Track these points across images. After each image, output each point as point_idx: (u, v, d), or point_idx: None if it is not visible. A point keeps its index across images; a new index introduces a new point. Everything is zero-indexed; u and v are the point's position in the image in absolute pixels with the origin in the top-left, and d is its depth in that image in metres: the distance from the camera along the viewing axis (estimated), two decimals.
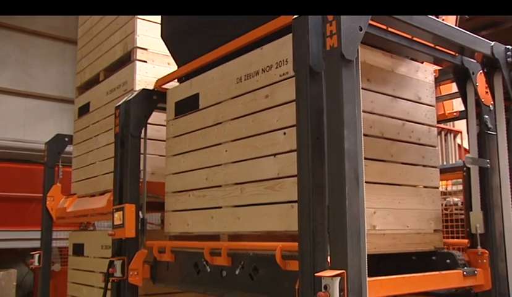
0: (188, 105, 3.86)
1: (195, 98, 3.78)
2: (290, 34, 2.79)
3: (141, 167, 4.10)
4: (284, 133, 3.01)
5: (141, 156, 4.13)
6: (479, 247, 3.32)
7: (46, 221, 5.68)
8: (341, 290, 2.21)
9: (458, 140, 6.57)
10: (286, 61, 3.05)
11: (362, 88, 2.67)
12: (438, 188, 3.50)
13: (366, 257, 2.38)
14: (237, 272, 3.19)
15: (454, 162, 6.02)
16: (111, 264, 3.96)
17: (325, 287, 2.23)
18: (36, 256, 5.60)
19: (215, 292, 3.43)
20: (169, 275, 3.87)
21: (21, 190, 8.48)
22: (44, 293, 5.65)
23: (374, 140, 3.16)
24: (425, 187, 3.41)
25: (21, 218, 8.53)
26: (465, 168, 3.65)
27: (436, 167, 3.51)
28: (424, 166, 3.44)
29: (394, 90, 3.34)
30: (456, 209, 4.66)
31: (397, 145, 3.29)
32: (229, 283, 3.28)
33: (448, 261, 3.30)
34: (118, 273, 3.92)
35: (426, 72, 3.59)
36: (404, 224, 3.23)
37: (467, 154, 3.53)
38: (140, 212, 4.02)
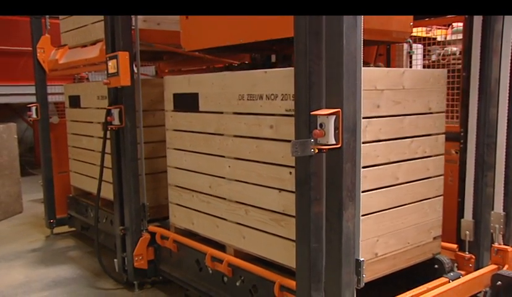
0: (187, 102, 3.68)
1: (195, 97, 3.60)
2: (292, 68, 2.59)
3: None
4: (290, 173, 2.94)
5: None
6: (467, 252, 3.43)
7: (39, 74, 5.62)
8: (336, 128, 2.21)
9: None
10: (292, 97, 2.86)
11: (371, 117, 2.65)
12: (441, 196, 3.52)
13: (361, 96, 2.33)
14: (237, 284, 3.31)
15: None
16: (109, 113, 4.01)
17: (320, 125, 2.22)
18: (34, 108, 5.63)
19: (217, 294, 3.56)
20: (173, 261, 4.01)
21: (8, 43, 8.29)
22: (45, 144, 5.77)
23: (381, 169, 3.10)
24: (428, 198, 3.43)
25: (12, 73, 8.46)
26: None
27: (441, 175, 3.49)
28: (429, 178, 3.41)
29: (404, 108, 3.19)
30: (454, 59, 4.53)
31: (404, 165, 3.23)
32: (230, 291, 3.43)
33: (435, 266, 3.43)
34: (116, 121, 3.99)
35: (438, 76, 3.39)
36: (406, 241, 3.31)
37: None
38: (134, 65, 3.92)
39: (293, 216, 2.92)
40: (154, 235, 4.08)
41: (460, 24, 4.17)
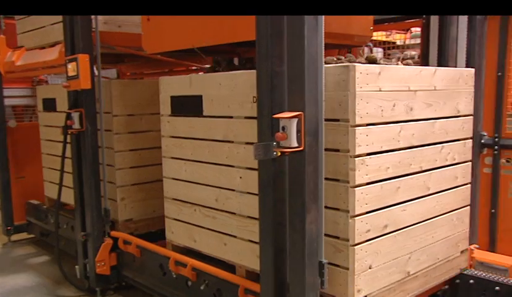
0: (188, 106, 3.28)
1: (197, 100, 3.20)
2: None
3: (93, 16, 3.84)
4: None
5: None
6: None
7: None
8: (298, 131, 2.21)
9: None
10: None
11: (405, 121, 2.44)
12: (469, 206, 3.25)
13: (323, 100, 2.34)
14: (201, 288, 3.22)
15: None
16: (69, 116, 3.90)
17: (283, 128, 2.21)
18: None
19: None
20: (136, 266, 3.89)
21: None
22: (2, 149, 5.55)
23: (413, 179, 2.81)
24: (457, 209, 3.16)
25: None
26: (424, 15, 3.54)
27: (469, 183, 3.23)
28: (457, 187, 3.14)
29: (435, 111, 2.91)
30: (414, 62, 4.51)
31: (434, 174, 2.95)
32: (194, 295, 3.29)
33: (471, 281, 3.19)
34: (76, 125, 3.88)
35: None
36: (436, 257, 3.03)
37: None
38: (95, 67, 3.82)
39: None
40: (117, 240, 3.96)
41: (419, 29, 4.23)
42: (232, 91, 2.98)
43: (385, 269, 2.67)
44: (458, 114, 3.07)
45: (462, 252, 3.23)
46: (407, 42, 5.25)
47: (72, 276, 4.24)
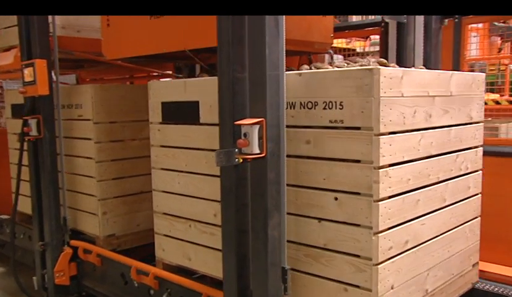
0: (182, 113, 3.02)
1: (194, 106, 2.94)
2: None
3: (50, 20, 3.76)
4: (336, 199, 2.38)
5: None
6: None
7: None
8: (260, 137, 2.21)
9: None
10: (341, 104, 2.31)
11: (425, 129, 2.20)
12: (479, 217, 3.11)
13: (284, 106, 2.35)
14: (164, 296, 3.16)
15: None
16: (25, 123, 3.79)
17: (245, 135, 2.21)
18: None
19: None
20: (96, 276, 3.81)
21: None
22: None
23: (432, 190, 2.63)
24: (469, 221, 3.00)
25: None
26: (383, 23, 3.75)
27: (479, 194, 3.08)
28: (469, 197, 2.99)
29: (451, 117, 2.75)
30: None
31: (450, 185, 2.78)
32: None
33: None
34: (34, 132, 3.78)
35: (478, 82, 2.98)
36: (451, 272, 2.86)
37: None
38: (53, 72, 3.75)
39: (338, 252, 2.39)
40: (77, 249, 3.87)
41: (378, 36, 4.33)
42: None
43: (406, 288, 2.48)
44: (471, 121, 2.93)
45: (473, 265, 3.09)
46: (367, 49, 5.52)
47: (29, 288, 4.12)
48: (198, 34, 2.88)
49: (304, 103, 2.45)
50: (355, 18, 6.58)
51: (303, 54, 3.69)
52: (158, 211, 3.26)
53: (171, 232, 3.19)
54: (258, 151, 2.22)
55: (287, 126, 2.51)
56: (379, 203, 2.26)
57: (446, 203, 2.76)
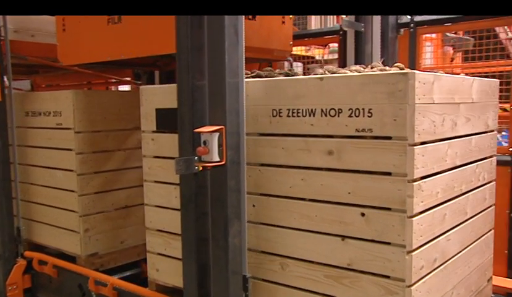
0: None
1: None
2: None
3: (1, 23, 3.67)
4: (363, 215, 2.18)
5: None
6: None
7: None
8: (220, 145, 2.20)
9: None
10: (370, 112, 2.12)
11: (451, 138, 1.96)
12: (493, 229, 2.98)
13: (244, 114, 2.32)
14: None
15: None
16: None
17: (204, 142, 2.20)
18: None
19: None
20: (52, 288, 3.69)
21: None
22: None
23: (456, 203, 2.47)
24: (485, 234, 2.87)
25: None
26: (341, 32, 3.93)
27: (493, 205, 2.95)
28: (485, 209, 2.86)
29: (473, 126, 2.60)
30: None
31: (470, 196, 2.64)
32: None
33: None
34: None
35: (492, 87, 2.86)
36: (470, 288, 2.71)
37: (344, 17, 3.65)
38: (5, 77, 3.66)
39: (364, 272, 2.18)
40: (31, 261, 3.74)
41: (336, 44, 4.43)
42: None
43: None
44: (488, 129, 2.80)
45: (488, 280, 2.95)
46: (326, 57, 5.58)
47: None
48: (157, 40, 2.86)
49: (326, 110, 2.24)
50: (314, 26, 6.75)
51: (263, 61, 3.77)
52: (151, 228, 2.98)
53: (167, 251, 2.92)
54: (217, 159, 2.21)
55: (305, 135, 2.31)
56: (414, 219, 2.07)
57: (467, 216, 2.61)
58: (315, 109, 2.27)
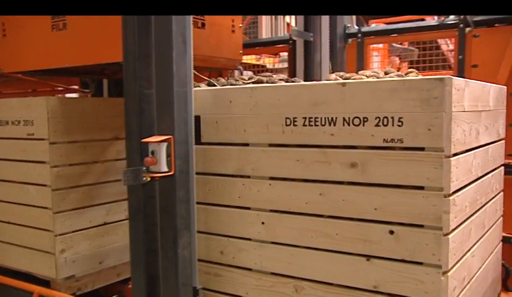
0: None
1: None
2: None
3: None
4: (391, 233, 2.00)
5: None
6: None
7: None
8: (168, 155, 2.17)
9: (287, 19, 7.07)
10: (400, 121, 1.95)
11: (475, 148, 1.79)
12: (501, 242, 2.88)
13: (193, 121, 2.30)
14: None
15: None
16: None
17: (152, 153, 2.17)
18: None
19: None
20: None
21: None
22: None
23: (478, 217, 2.33)
24: (495, 248, 2.76)
25: None
26: (291, 41, 4.03)
27: (501, 216, 2.85)
28: (496, 221, 2.75)
29: (490, 134, 2.48)
30: None
31: (488, 208, 2.51)
32: None
33: None
34: None
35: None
36: None
37: (293, 27, 3.73)
38: None
39: (393, 295, 2.01)
40: None
41: (287, 53, 4.50)
42: (250, 110, 2.29)
43: None
44: (499, 138, 2.69)
45: (498, 295, 2.84)
46: (277, 66, 5.66)
47: None
48: (103, 48, 2.80)
49: (349, 118, 2.05)
50: (265, 35, 6.87)
51: (212, 70, 3.77)
52: None
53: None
54: (166, 169, 2.18)
55: (324, 146, 2.11)
56: (450, 236, 1.91)
57: (485, 230, 2.48)
58: (336, 118, 2.08)
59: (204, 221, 2.47)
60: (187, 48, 2.23)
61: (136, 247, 2.38)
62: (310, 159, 2.16)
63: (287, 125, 2.20)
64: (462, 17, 3.53)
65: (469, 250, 2.20)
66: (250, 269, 2.37)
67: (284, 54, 5.10)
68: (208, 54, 3.03)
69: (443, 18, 3.68)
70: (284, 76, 2.85)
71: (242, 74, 3.99)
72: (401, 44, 5.28)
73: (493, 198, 2.63)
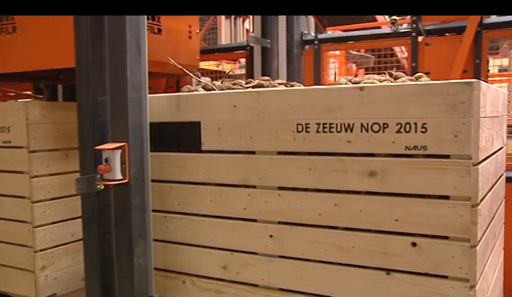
0: (176, 137, 2.35)
1: (193, 129, 2.30)
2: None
3: None
4: (414, 245, 1.90)
5: None
6: None
7: None
8: (122, 163, 2.14)
9: (246, 25, 7.16)
10: (424, 127, 1.85)
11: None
12: (503, 251, 2.82)
13: (148, 128, 2.27)
14: None
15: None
16: None
17: (106, 160, 2.13)
18: None
19: None
20: None
21: None
22: None
23: (491, 226, 2.26)
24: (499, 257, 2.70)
25: None
26: (248, 47, 4.02)
27: (504, 224, 2.80)
28: (501, 230, 2.69)
29: (498, 142, 2.42)
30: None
31: (496, 217, 2.45)
32: None
33: None
34: None
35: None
36: None
37: (251, 33, 3.72)
38: None
39: None
40: None
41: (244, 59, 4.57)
42: (258, 116, 2.15)
43: None
44: (504, 144, 2.64)
45: None
46: (236, 72, 5.68)
47: None
48: (56, 53, 2.75)
49: (367, 124, 1.94)
50: (224, 42, 6.99)
51: (169, 76, 3.73)
52: None
53: (161, 291, 2.47)
54: (120, 177, 2.14)
55: (340, 154, 1.99)
56: (477, 248, 1.82)
57: (495, 239, 2.41)
58: (353, 124, 1.97)
59: (204, 233, 2.31)
60: (142, 53, 2.20)
61: (91, 256, 2.33)
62: (324, 168, 2.03)
63: (298, 131, 2.07)
64: (414, 25, 3.59)
65: (487, 260, 2.12)
66: (256, 285, 2.22)
67: (243, 60, 5.13)
68: (165, 60, 2.97)
69: (396, 26, 3.69)
70: (283, 80, 2.73)
71: (199, 79, 4.01)
72: (357, 51, 5.34)
73: (500, 205, 2.57)
